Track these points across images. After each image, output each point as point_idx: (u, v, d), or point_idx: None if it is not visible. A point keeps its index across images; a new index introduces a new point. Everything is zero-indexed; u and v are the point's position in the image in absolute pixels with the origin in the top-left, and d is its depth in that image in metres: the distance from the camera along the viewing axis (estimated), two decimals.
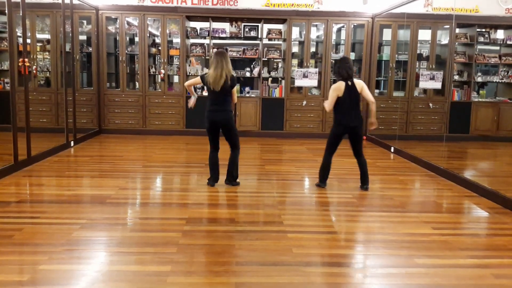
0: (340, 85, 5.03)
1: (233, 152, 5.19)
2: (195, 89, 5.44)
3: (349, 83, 5.04)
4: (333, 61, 9.30)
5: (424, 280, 2.92)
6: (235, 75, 5.14)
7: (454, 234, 3.86)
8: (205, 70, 9.18)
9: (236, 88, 5.16)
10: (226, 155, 5.22)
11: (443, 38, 9.23)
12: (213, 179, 5.20)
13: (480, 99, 9.12)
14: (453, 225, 4.14)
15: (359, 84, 5.11)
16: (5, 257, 3.10)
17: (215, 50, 5.76)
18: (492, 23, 8.99)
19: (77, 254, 3.21)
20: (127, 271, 2.94)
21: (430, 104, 8.95)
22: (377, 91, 9.39)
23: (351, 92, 5.03)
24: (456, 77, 9.22)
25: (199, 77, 5.14)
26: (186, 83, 5.29)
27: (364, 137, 9.06)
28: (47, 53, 8.91)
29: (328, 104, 5.12)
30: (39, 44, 8.84)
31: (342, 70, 5.05)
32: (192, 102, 5.39)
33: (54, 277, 2.83)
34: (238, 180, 5.27)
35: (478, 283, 2.91)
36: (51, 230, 3.66)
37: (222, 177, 5.25)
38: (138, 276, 2.86)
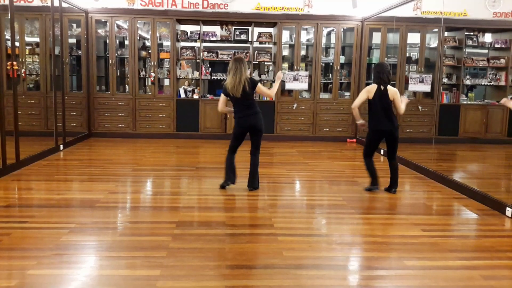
0: (372, 88, 5.11)
1: (255, 156, 5.22)
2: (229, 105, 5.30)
3: (382, 87, 5.08)
4: (328, 64, 9.35)
5: (414, 282, 2.93)
6: (250, 77, 5.19)
7: (443, 236, 3.88)
8: (196, 74, 9.19)
9: (260, 84, 5.14)
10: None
11: (432, 41, 9.31)
12: (231, 181, 5.21)
13: (469, 102, 9.21)
14: (443, 227, 4.17)
15: (392, 91, 5.11)
16: None
17: (233, 57, 5.77)
18: (480, 27, 9.09)
19: (66, 258, 3.18)
20: (116, 276, 2.92)
21: (419, 107, 9.02)
22: None
23: (382, 96, 5.07)
24: (445, 80, 9.30)
25: (222, 94, 5.10)
26: (220, 109, 5.25)
27: (354, 140, 9.11)
28: (36, 56, 8.85)
29: (356, 102, 5.23)
30: (28, 47, 8.77)
31: (383, 74, 5.08)
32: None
33: (43, 282, 2.81)
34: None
35: (467, 285, 2.93)
36: (40, 234, 3.62)
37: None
38: (128, 281, 2.85)
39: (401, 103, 5.17)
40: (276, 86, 5.35)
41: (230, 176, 5.21)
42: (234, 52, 9.24)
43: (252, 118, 5.04)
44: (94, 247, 3.43)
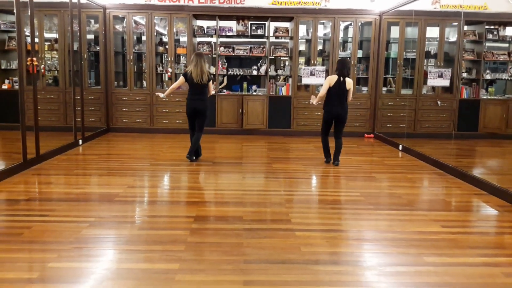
0: (334, 78, 6.20)
1: (198, 133, 6.37)
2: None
3: (341, 79, 6.15)
4: (345, 59, 9.29)
5: (433, 279, 2.90)
6: (210, 71, 6.42)
7: (463, 232, 3.83)
8: (212, 69, 9.21)
9: (211, 83, 6.34)
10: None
11: (451, 35, 9.16)
12: (191, 155, 6.37)
13: (489, 97, 9.05)
14: (462, 223, 4.11)
15: (349, 81, 6.20)
16: (15, 255, 3.12)
17: (196, 51, 7.03)
18: (501, 20, 8.91)
19: (86, 252, 3.22)
20: (135, 269, 2.95)
21: (439, 102, 8.90)
22: (384, 89, 9.35)
23: (340, 85, 6.15)
24: (465, 75, 9.16)
25: (182, 77, 6.28)
26: (173, 87, 6.45)
27: (372, 135, 9.05)
28: (55, 52, 8.96)
29: (323, 91, 6.26)
30: (47, 43, 8.89)
31: (344, 69, 6.18)
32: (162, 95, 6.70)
33: (63, 275, 2.85)
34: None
35: (487, 282, 2.89)
36: (60, 228, 3.67)
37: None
38: (147, 274, 2.87)
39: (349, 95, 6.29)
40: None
41: (192, 152, 6.39)
42: (251, 47, 9.22)
43: (197, 102, 6.22)
44: (113, 241, 3.46)
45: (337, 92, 6.16)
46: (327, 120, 6.36)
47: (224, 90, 9.16)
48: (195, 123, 6.37)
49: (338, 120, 6.31)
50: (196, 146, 6.39)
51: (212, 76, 6.36)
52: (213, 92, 6.48)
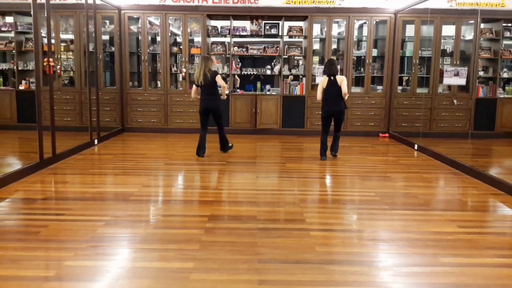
0: (324, 80, 6.56)
1: (220, 131, 6.82)
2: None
3: (332, 78, 6.47)
4: (359, 58, 9.24)
5: (450, 279, 2.86)
6: (214, 70, 6.69)
7: (480, 232, 3.78)
8: (226, 69, 9.24)
9: (219, 77, 6.57)
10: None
11: (468, 33, 9.05)
12: (201, 152, 6.68)
13: (506, 96, 8.92)
14: (479, 224, 4.06)
15: (339, 78, 6.47)
16: (32, 253, 3.16)
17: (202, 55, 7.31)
18: None
19: (102, 250, 3.25)
20: (150, 268, 2.96)
21: (455, 101, 8.80)
22: (400, 87, 9.28)
23: (331, 85, 6.47)
24: (481, 73, 9.04)
25: (193, 84, 6.72)
26: (193, 96, 6.85)
27: (387, 134, 8.98)
28: (71, 53, 9.06)
29: (317, 95, 6.64)
30: (63, 44, 9.00)
31: (331, 69, 6.48)
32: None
33: (79, 273, 2.87)
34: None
35: (505, 283, 2.84)
36: (76, 226, 3.71)
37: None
38: (162, 273, 2.88)
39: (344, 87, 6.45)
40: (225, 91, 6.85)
41: (204, 149, 6.71)
42: (264, 47, 9.22)
43: (207, 102, 6.56)
44: (128, 240, 3.49)
45: (330, 92, 6.47)
46: (324, 118, 6.62)
47: (238, 90, 9.16)
48: (206, 122, 6.70)
49: (335, 118, 6.61)
50: (223, 143, 6.91)
51: (213, 70, 6.56)
52: (225, 86, 6.81)
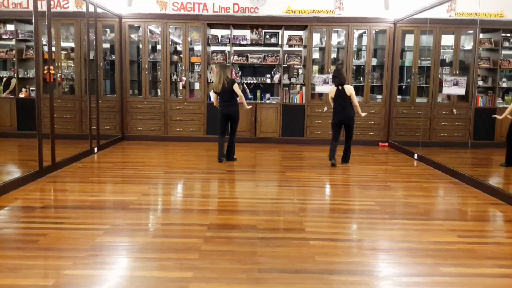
0: (333, 89, 6.90)
1: (232, 136, 7.07)
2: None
3: (340, 88, 6.77)
4: (359, 67, 9.27)
5: None
6: (232, 78, 7.18)
7: (480, 242, 3.77)
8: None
9: (236, 85, 6.86)
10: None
11: (467, 43, 9.09)
12: (223, 157, 7.01)
13: (505, 105, 8.92)
14: (479, 233, 4.05)
15: (348, 89, 6.79)
16: (31, 262, 3.15)
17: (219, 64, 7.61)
18: None
19: (101, 259, 3.23)
20: (149, 277, 2.95)
21: (454, 110, 8.82)
22: (399, 97, 9.30)
23: (340, 94, 6.79)
24: (480, 83, 9.06)
25: (212, 91, 7.21)
26: (215, 103, 7.18)
27: (386, 144, 8.98)
28: (71, 61, 9.09)
29: (330, 103, 7.04)
30: (63, 52, 9.02)
31: (339, 78, 6.79)
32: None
33: (78, 282, 2.86)
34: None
35: None
36: (75, 235, 3.70)
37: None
38: (161, 282, 2.87)
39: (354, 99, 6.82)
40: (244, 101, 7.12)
41: (223, 153, 7.03)
42: (264, 56, 9.26)
43: (226, 108, 6.85)
44: (127, 248, 3.48)
45: (339, 101, 6.80)
46: (334, 125, 6.93)
47: (237, 99, 9.15)
48: (225, 128, 6.98)
49: (345, 125, 6.89)
50: (232, 149, 7.08)
51: (230, 79, 6.87)
52: (242, 95, 6.97)
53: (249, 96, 9.09)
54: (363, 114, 7.15)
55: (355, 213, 4.65)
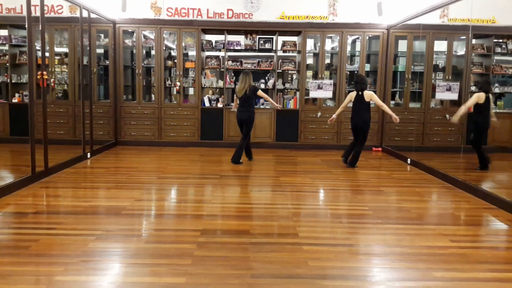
0: (353, 94, 7.17)
1: (243, 140, 7.46)
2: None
3: (359, 93, 7.03)
4: (352, 72, 9.31)
5: None
6: (254, 84, 7.54)
7: (472, 247, 3.79)
8: (220, 83, 9.28)
9: (260, 91, 7.42)
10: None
11: (460, 49, 9.15)
12: (249, 158, 7.66)
13: (498, 110, 8.99)
14: (472, 238, 4.07)
15: (368, 94, 7.04)
16: (22, 268, 3.12)
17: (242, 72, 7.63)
18: (510, 34, 8.87)
19: (93, 265, 3.21)
20: (142, 283, 2.94)
21: (447, 115, 8.86)
22: (392, 102, 9.33)
23: (359, 99, 7.06)
24: (473, 88, 9.11)
25: (235, 95, 7.68)
26: (234, 107, 7.75)
27: (380, 148, 9.01)
28: (65, 66, 9.07)
29: (343, 104, 7.45)
30: (57, 57, 9.00)
31: (362, 84, 7.07)
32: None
33: None
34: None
35: None
36: (67, 241, 3.68)
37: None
38: None
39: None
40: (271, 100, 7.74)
41: (240, 156, 7.44)
42: (258, 61, 9.27)
43: (242, 113, 7.36)
44: (120, 254, 3.46)
45: (356, 105, 7.11)
46: (352, 128, 7.36)
47: (232, 104, 9.18)
48: (241, 130, 7.53)
49: (358, 129, 7.18)
50: (241, 151, 7.43)
51: (253, 86, 7.31)
52: (267, 96, 7.55)
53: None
54: (396, 118, 7.08)
55: (348, 218, 4.64)
